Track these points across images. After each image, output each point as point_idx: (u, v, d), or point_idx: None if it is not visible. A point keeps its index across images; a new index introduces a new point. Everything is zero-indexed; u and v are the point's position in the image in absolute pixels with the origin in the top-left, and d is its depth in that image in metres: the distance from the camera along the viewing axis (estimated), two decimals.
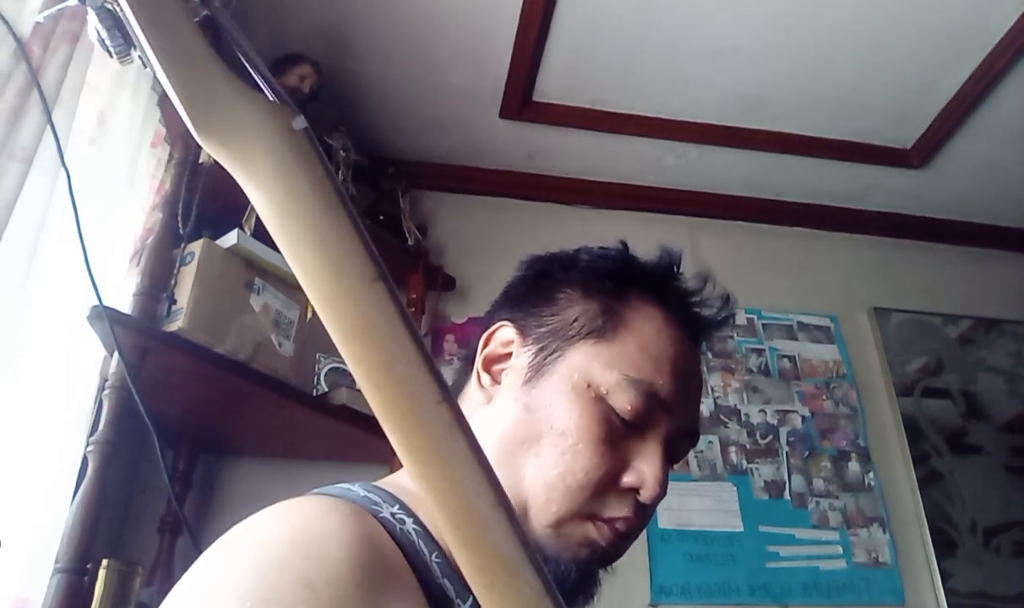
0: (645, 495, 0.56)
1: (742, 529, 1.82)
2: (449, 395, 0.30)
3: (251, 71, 0.29)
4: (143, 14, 0.26)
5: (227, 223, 1.41)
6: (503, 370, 0.63)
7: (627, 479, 0.57)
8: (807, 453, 1.97)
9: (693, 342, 0.64)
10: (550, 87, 1.95)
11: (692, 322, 0.64)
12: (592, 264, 0.65)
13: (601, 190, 2.24)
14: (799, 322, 2.17)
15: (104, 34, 0.28)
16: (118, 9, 0.27)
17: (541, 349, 0.61)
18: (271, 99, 0.29)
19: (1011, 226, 2.45)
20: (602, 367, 0.58)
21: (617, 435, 0.57)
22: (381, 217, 1.86)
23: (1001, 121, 2.03)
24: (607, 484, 0.56)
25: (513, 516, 0.30)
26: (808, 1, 1.72)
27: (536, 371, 0.61)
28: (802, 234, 2.36)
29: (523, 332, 0.63)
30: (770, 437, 1.97)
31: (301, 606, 0.36)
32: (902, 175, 2.23)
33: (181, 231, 1.35)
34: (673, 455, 0.60)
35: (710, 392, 2.00)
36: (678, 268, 0.66)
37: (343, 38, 1.77)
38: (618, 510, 0.56)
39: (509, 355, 0.63)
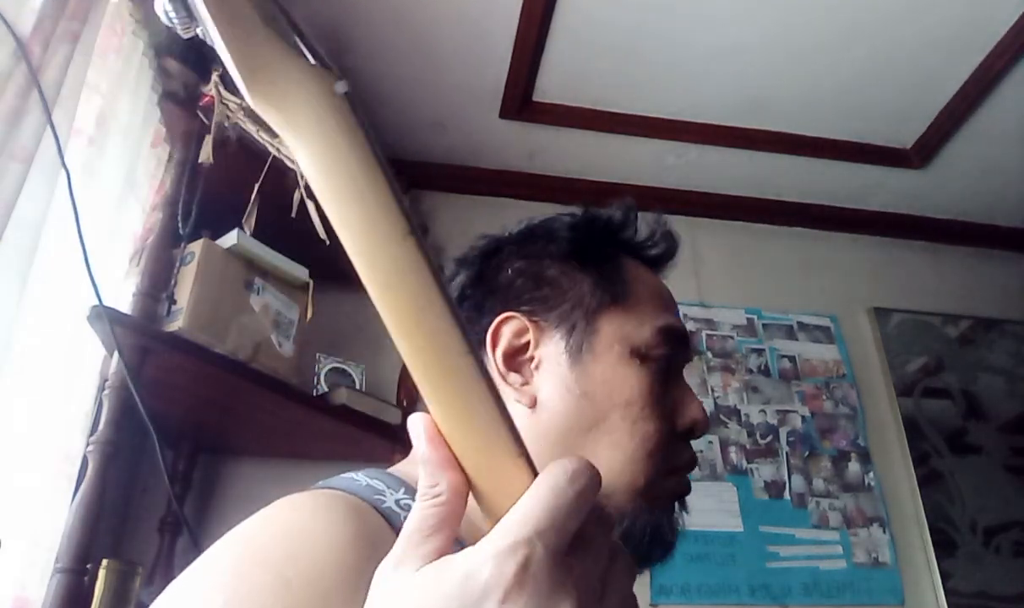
0: (699, 430, 0.61)
1: (742, 529, 1.82)
2: (474, 348, 0.31)
3: (306, 40, 0.33)
4: None
5: (227, 223, 1.41)
6: (529, 365, 0.61)
7: (682, 423, 0.61)
8: (807, 453, 1.97)
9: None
10: (550, 87, 1.95)
11: (658, 262, 0.70)
12: (575, 235, 0.65)
13: (601, 190, 2.24)
14: (799, 322, 2.17)
15: (170, 8, 0.31)
16: None
17: (569, 330, 0.60)
18: (315, 64, 0.32)
19: (1011, 226, 2.45)
20: (635, 327, 0.61)
21: (664, 386, 0.60)
22: None
23: (1001, 121, 2.03)
24: (671, 435, 0.60)
25: (533, 468, 0.31)
26: (808, 1, 1.72)
27: (575, 354, 0.59)
28: (802, 234, 2.36)
29: (534, 320, 0.61)
30: (770, 437, 1.97)
31: (273, 601, 0.36)
32: (902, 175, 2.23)
33: (181, 231, 1.35)
34: None
35: (710, 392, 2.00)
36: (636, 217, 0.69)
37: (343, 38, 1.77)
38: (684, 453, 0.61)
39: (526, 346, 0.61)
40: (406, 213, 0.31)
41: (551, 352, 0.60)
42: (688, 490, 0.62)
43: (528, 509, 0.29)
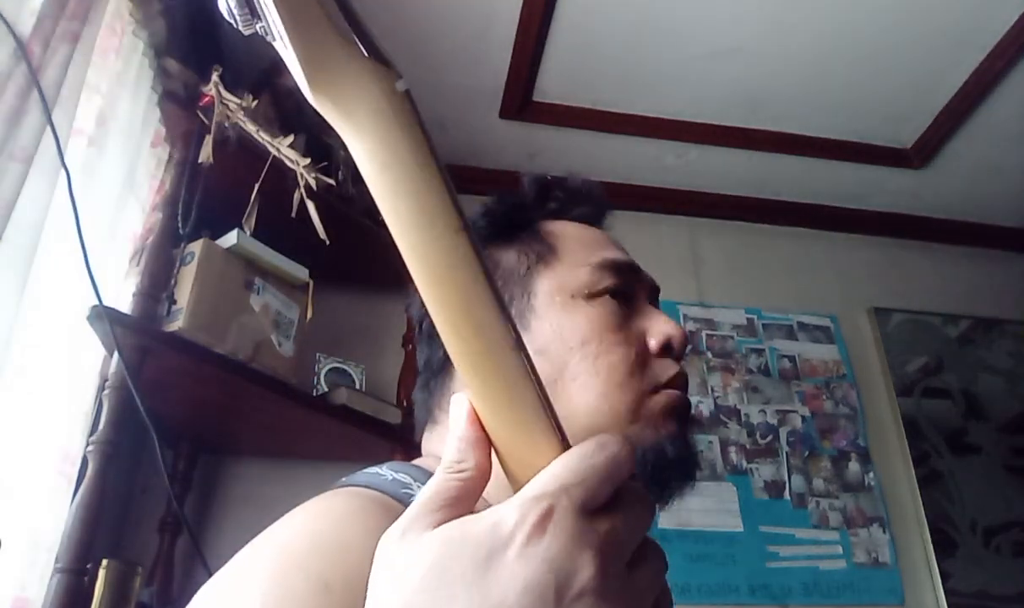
0: (676, 343, 0.59)
1: (742, 529, 1.82)
2: (522, 343, 0.32)
3: (369, 38, 0.33)
4: None
5: (227, 223, 1.40)
6: None
7: (654, 342, 0.60)
8: (807, 453, 1.97)
9: (601, 230, 0.70)
10: (550, 87, 1.95)
11: (589, 219, 0.70)
12: (489, 219, 0.67)
13: None
14: (799, 322, 2.18)
15: (233, 5, 0.32)
16: None
17: (509, 301, 0.62)
18: (376, 61, 0.32)
19: (1011, 226, 2.45)
20: (570, 273, 0.61)
21: (623, 316, 0.60)
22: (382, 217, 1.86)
23: (1001, 121, 2.03)
24: (644, 357, 0.59)
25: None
26: (808, 1, 1.72)
27: (520, 319, 0.61)
28: (802, 234, 2.36)
29: None
30: (770, 437, 1.97)
31: (313, 606, 0.36)
32: (902, 175, 2.23)
33: (181, 231, 1.35)
34: None
35: (710, 392, 2.00)
36: (561, 187, 0.70)
37: None
38: (668, 370, 0.59)
39: None
40: (459, 209, 0.32)
41: None
42: (685, 404, 0.60)
43: (556, 468, 0.29)
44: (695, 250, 2.23)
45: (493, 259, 0.64)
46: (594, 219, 0.70)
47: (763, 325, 2.15)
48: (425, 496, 0.31)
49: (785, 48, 1.85)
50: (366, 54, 0.32)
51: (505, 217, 0.67)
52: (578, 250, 0.63)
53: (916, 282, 2.34)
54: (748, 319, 2.15)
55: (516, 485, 0.32)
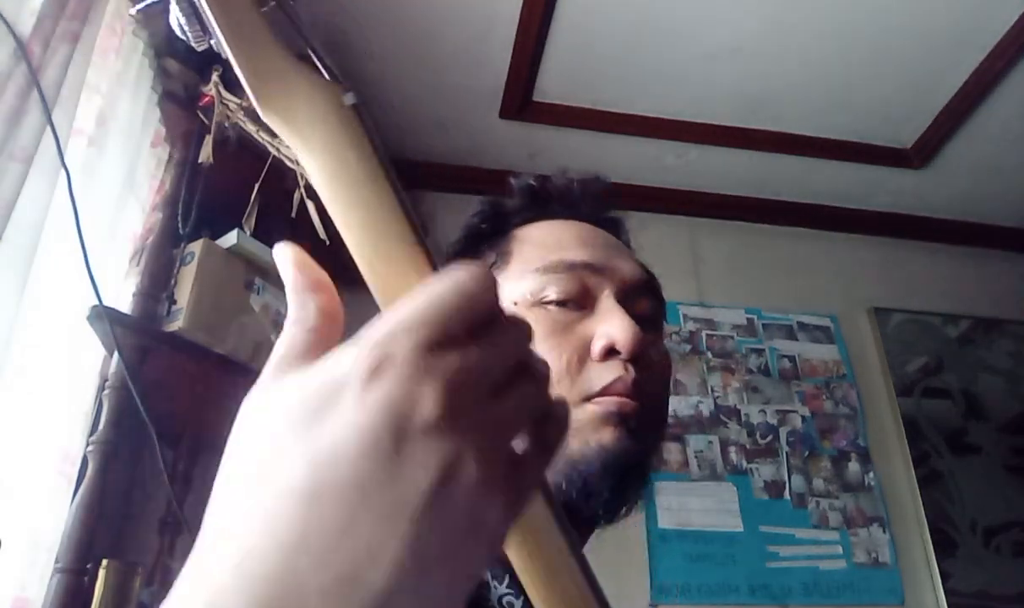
0: (620, 344, 0.53)
1: (742, 529, 1.82)
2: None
3: (316, 54, 0.33)
4: (215, 3, 0.31)
5: (227, 223, 1.40)
6: None
7: (598, 345, 0.54)
8: (807, 453, 1.97)
9: (591, 225, 0.64)
10: (550, 87, 1.95)
11: (577, 213, 0.65)
12: (467, 228, 0.66)
13: None
14: (799, 322, 2.18)
15: (184, 22, 0.32)
16: (196, 1, 0.32)
17: None
18: (327, 77, 0.33)
19: (1011, 226, 2.45)
20: (515, 281, 0.58)
21: (565, 321, 0.55)
22: None
23: (1001, 121, 2.03)
24: (580, 363, 0.54)
25: (431, 257, 0.31)
26: (808, 2, 1.72)
27: None
28: (802, 234, 2.36)
29: None
30: (770, 437, 1.97)
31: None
32: (902, 175, 2.23)
33: (181, 231, 1.35)
34: (636, 313, 0.57)
35: (710, 392, 2.00)
36: (542, 187, 0.67)
37: (343, 38, 1.77)
38: (607, 375, 0.53)
39: None
40: (413, 222, 0.31)
41: None
42: (626, 410, 0.52)
43: (400, 308, 0.26)
44: (695, 250, 2.23)
45: None
46: (579, 214, 0.65)
47: (763, 325, 2.15)
48: (276, 356, 0.29)
49: (785, 48, 1.85)
50: (315, 69, 0.32)
51: (479, 226, 0.66)
52: (532, 254, 0.60)
53: (916, 282, 2.34)
54: (748, 319, 2.15)
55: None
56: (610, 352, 0.54)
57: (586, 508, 0.51)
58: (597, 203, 0.66)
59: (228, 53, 0.32)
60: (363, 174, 0.31)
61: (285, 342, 0.29)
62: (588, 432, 0.52)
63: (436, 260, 0.31)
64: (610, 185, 0.69)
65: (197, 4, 0.31)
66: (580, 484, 0.50)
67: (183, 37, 0.33)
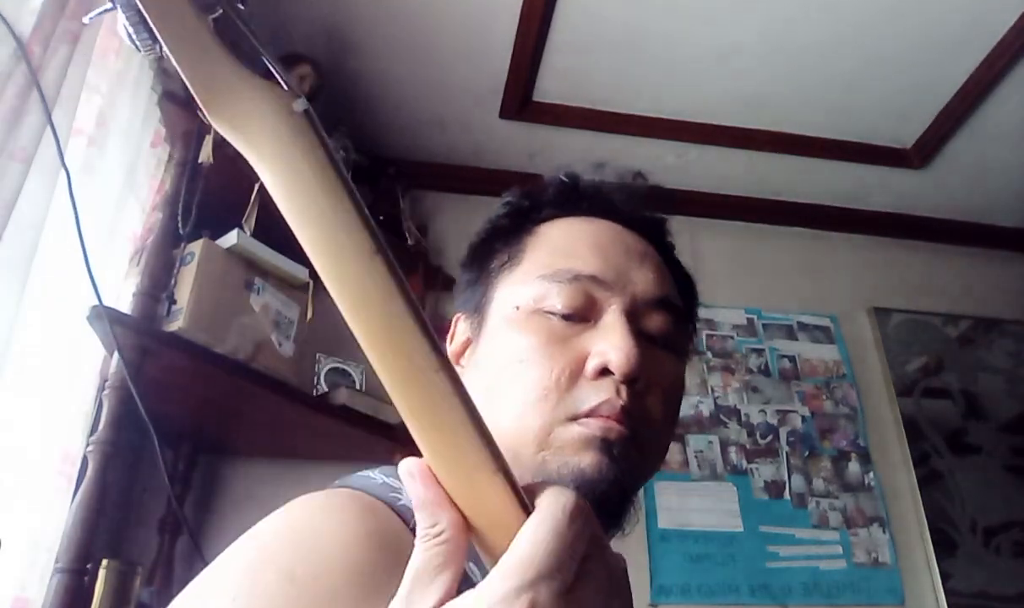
0: (614, 365, 0.51)
1: (742, 529, 1.82)
2: (447, 363, 0.31)
3: (265, 60, 0.32)
4: (153, 9, 0.30)
5: (227, 223, 1.41)
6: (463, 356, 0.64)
7: (591, 363, 0.52)
8: (807, 453, 1.97)
9: (621, 226, 0.61)
10: (550, 87, 1.95)
11: (609, 212, 0.62)
12: (490, 226, 0.65)
13: None
14: (799, 322, 2.17)
15: (131, 30, 0.31)
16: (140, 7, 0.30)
17: (473, 309, 0.62)
18: (279, 85, 0.32)
19: (1011, 226, 2.45)
20: (521, 283, 0.57)
21: (563, 333, 0.54)
22: (381, 217, 1.86)
23: (1001, 121, 2.03)
24: (571, 379, 0.52)
25: (514, 483, 0.31)
26: (808, 1, 1.72)
27: (476, 330, 0.61)
28: (802, 234, 2.36)
29: (466, 317, 0.64)
30: (770, 437, 1.97)
31: (283, 600, 0.36)
32: (902, 175, 2.23)
33: (181, 231, 1.35)
34: (647, 330, 0.56)
35: (710, 392, 2.00)
36: (578, 182, 0.65)
37: (343, 38, 1.77)
38: (596, 397, 0.51)
39: (467, 342, 0.63)
40: (373, 231, 0.31)
41: (465, 336, 0.63)
42: (609, 434, 0.50)
43: (530, 553, 0.29)
44: (695, 250, 2.23)
45: (480, 268, 0.64)
46: (611, 213, 0.62)
47: (763, 325, 2.15)
48: (414, 570, 0.31)
49: (785, 48, 1.85)
50: (268, 76, 0.31)
51: (502, 220, 0.65)
52: (542, 258, 0.58)
53: (916, 282, 2.34)
54: (748, 319, 2.15)
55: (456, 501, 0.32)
56: (604, 371, 0.52)
57: None
58: (631, 203, 0.63)
59: (174, 62, 0.31)
60: (318, 186, 0.30)
61: (421, 557, 0.31)
62: (568, 453, 0.50)
63: (398, 274, 0.31)
64: (650, 185, 0.66)
65: (144, 12, 0.30)
66: None
67: (132, 45, 0.32)
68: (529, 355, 0.53)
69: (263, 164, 0.31)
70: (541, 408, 0.52)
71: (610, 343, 0.52)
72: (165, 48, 0.31)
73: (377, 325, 0.31)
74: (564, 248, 0.58)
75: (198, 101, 0.31)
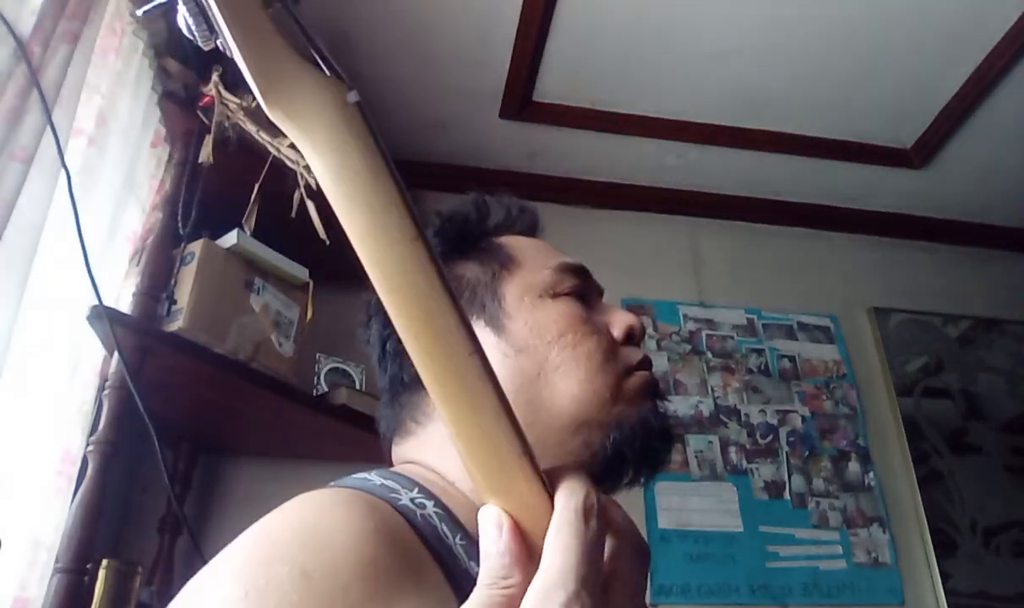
0: (636, 331, 0.64)
1: (742, 529, 1.82)
2: (480, 348, 0.33)
3: (313, 51, 0.34)
4: (223, 3, 0.31)
5: (227, 223, 1.41)
6: None
7: (617, 331, 0.63)
8: (807, 453, 1.97)
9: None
10: (550, 87, 1.95)
11: (527, 233, 0.73)
12: (444, 236, 0.68)
13: (601, 190, 2.24)
14: (799, 322, 2.17)
15: (191, 22, 0.33)
16: (204, 1, 0.32)
17: (480, 310, 0.63)
18: (328, 75, 0.33)
19: (1011, 226, 2.45)
20: (534, 276, 0.64)
21: (586, 310, 0.64)
22: None
23: (1001, 121, 2.03)
24: (613, 345, 0.62)
25: (536, 465, 0.33)
26: (808, 1, 1.72)
27: (495, 324, 0.62)
28: (802, 234, 2.36)
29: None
30: (770, 437, 1.97)
31: (295, 596, 0.36)
32: (902, 175, 2.23)
33: (181, 231, 1.35)
34: None
35: (710, 392, 2.00)
36: (487, 204, 0.73)
37: (343, 38, 1.77)
38: (635, 355, 0.63)
39: None
40: (415, 217, 0.32)
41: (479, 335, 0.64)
42: (655, 383, 0.63)
43: (563, 558, 0.31)
44: (695, 250, 2.23)
45: (454, 274, 0.66)
46: (532, 231, 0.74)
47: (763, 325, 2.15)
48: (473, 606, 0.32)
49: (785, 48, 1.85)
50: (318, 67, 0.33)
51: (457, 234, 0.69)
52: (536, 256, 0.67)
53: (916, 282, 2.34)
54: (748, 319, 2.15)
55: (478, 483, 0.34)
56: (628, 337, 0.64)
57: (622, 466, 0.59)
58: (539, 221, 0.76)
59: (235, 52, 0.32)
60: (367, 173, 0.32)
61: (486, 597, 0.32)
62: (637, 398, 0.61)
63: (437, 260, 0.32)
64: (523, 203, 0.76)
65: (204, 4, 0.32)
66: (641, 441, 0.58)
67: (190, 37, 0.33)
68: (577, 328, 0.61)
69: (316, 151, 0.33)
70: (609, 368, 0.60)
71: (627, 316, 0.65)
72: (228, 38, 0.32)
73: (417, 308, 0.32)
74: (545, 250, 0.69)
75: (256, 90, 0.32)
